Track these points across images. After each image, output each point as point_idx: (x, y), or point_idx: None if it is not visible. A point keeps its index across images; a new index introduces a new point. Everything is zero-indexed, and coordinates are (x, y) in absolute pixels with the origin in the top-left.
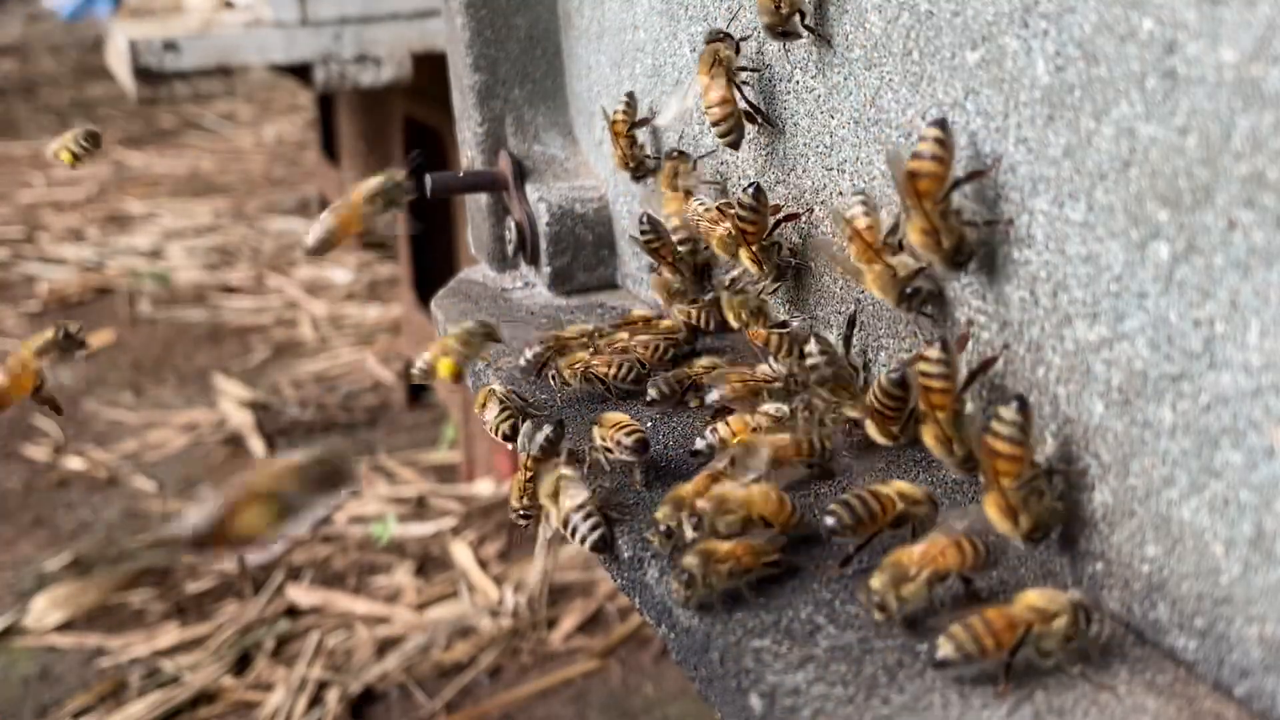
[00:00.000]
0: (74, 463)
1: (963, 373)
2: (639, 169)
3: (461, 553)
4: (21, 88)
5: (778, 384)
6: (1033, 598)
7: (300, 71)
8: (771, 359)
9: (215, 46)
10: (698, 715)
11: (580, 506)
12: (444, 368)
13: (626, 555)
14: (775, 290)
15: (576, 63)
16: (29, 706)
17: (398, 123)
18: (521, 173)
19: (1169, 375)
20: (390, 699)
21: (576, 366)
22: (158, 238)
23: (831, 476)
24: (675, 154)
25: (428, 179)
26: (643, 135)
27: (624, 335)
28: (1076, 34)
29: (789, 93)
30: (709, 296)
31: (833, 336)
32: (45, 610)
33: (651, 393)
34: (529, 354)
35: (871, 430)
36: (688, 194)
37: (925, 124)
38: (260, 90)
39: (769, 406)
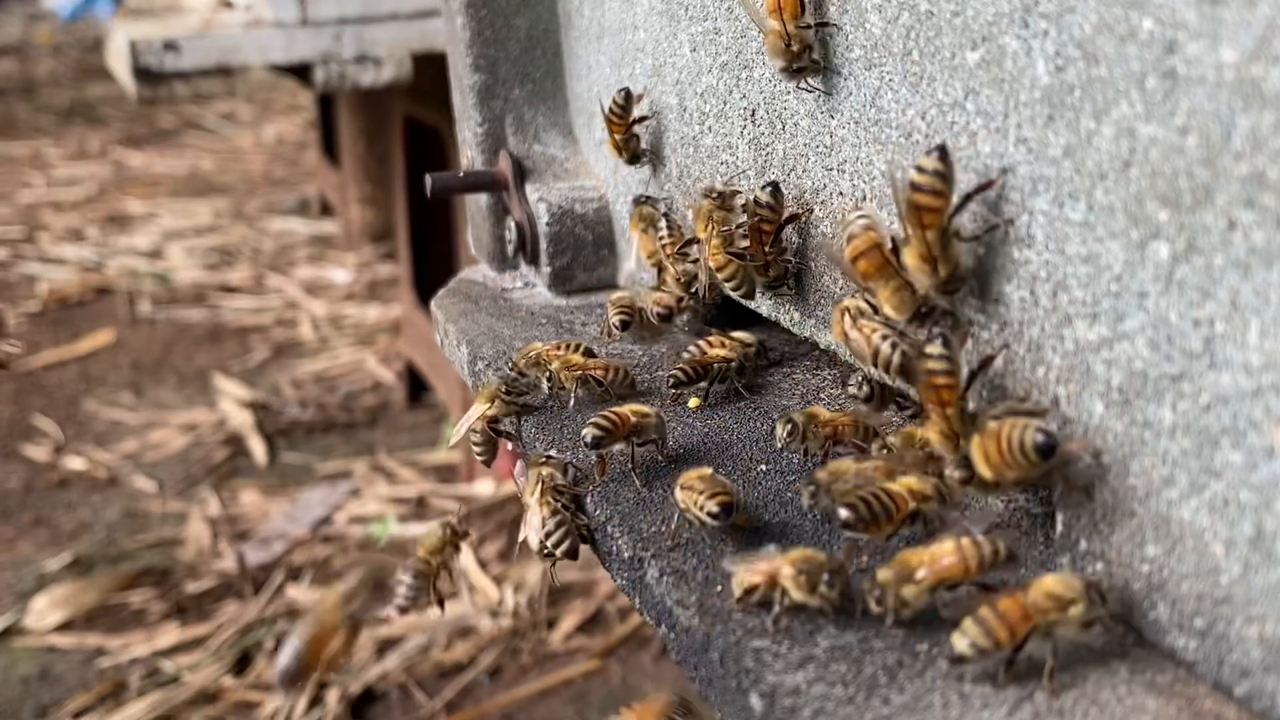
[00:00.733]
0: (74, 463)
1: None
2: (634, 157)
3: (461, 553)
4: (21, 88)
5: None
6: (1050, 584)
7: (300, 71)
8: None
9: (215, 46)
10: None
11: (545, 523)
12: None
13: (627, 555)
14: (779, 290)
15: (576, 63)
16: (29, 706)
17: (398, 123)
18: (521, 173)
19: (1169, 375)
20: (390, 699)
21: (574, 371)
22: (158, 238)
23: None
24: (643, 199)
25: (428, 179)
26: (639, 127)
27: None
28: (1076, 34)
29: (789, 93)
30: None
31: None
32: (45, 610)
33: (673, 378)
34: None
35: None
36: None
37: (925, 154)
38: (260, 90)
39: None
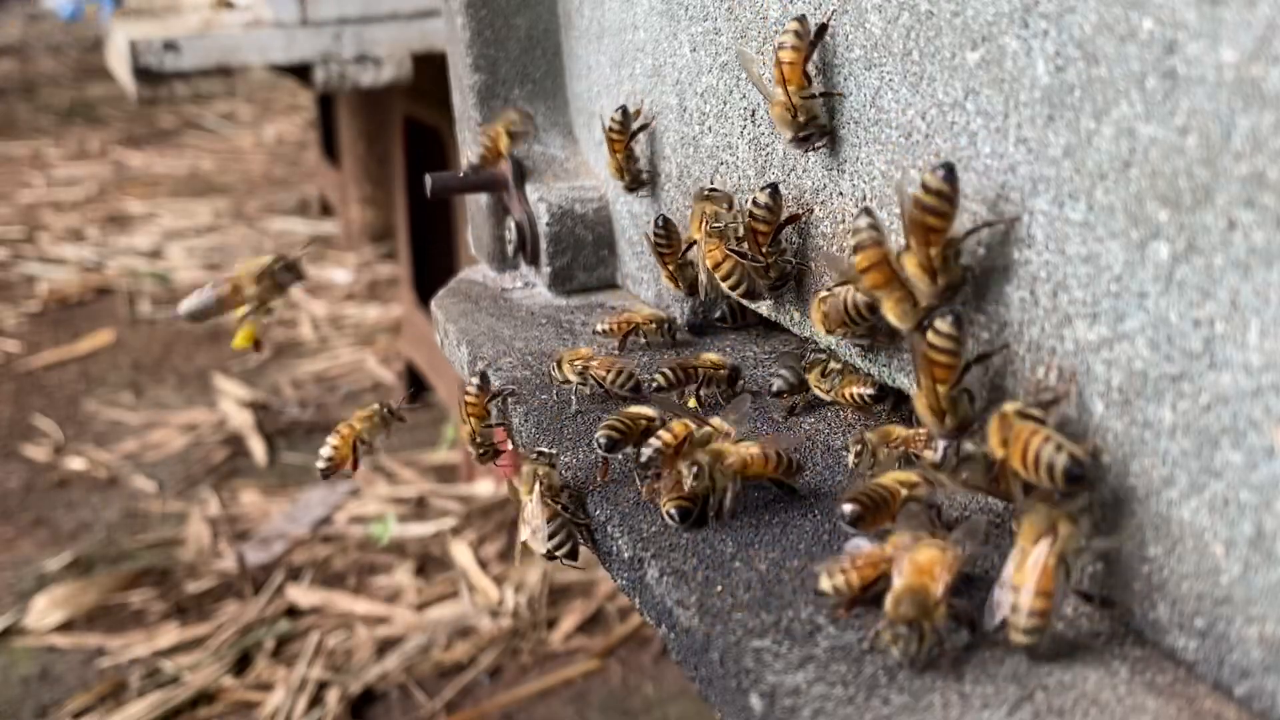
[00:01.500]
0: (74, 463)
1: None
2: (634, 182)
3: (461, 553)
4: (21, 88)
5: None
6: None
7: (300, 71)
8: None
9: (215, 46)
10: (698, 715)
11: (547, 526)
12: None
13: (627, 555)
14: (779, 292)
15: (576, 63)
16: (29, 706)
17: (398, 123)
18: (521, 173)
19: (1169, 375)
20: (390, 699)
21: (576, 364)
22: (158, 238)
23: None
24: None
25: (428, 179)
26: (640, 147)
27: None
28: (1076, 34)
29: None
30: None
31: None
32: (45, 610)
33: (658, 379)
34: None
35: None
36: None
37: (931, 171)
38: (260, 90)
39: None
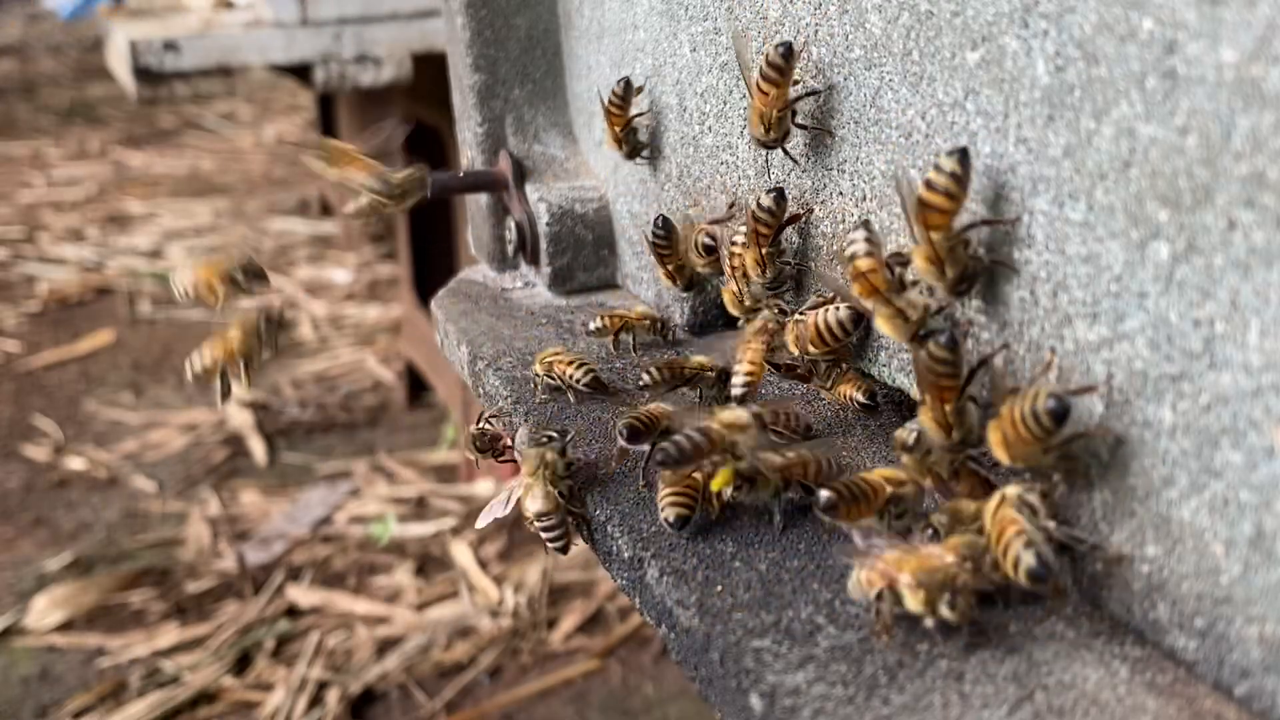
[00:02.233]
0: (74, 463)
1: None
2: (633, 150)
3: (461, 553)
4: (21, 88)
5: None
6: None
7: (300, 71)
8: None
9: (215, 46)
10: (698, 715)
11: (542, 517)
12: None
13: (627, 555)
14: (777, 293)
15: (576, 63)
16: (29, 706)
17: (398, 123)
18: (521, 173)
19: (1169, 375)
20: (390, 699)
21: (545, 360)
22: (158, 238)
23: None
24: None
25: (428, 179)
26: (638, 121)
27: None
28: (1076, 34)
29: None
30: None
31: None
32: (45, 610)
33: (644, 378)
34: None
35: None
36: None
37: (944, 154)
38: (260, 90)
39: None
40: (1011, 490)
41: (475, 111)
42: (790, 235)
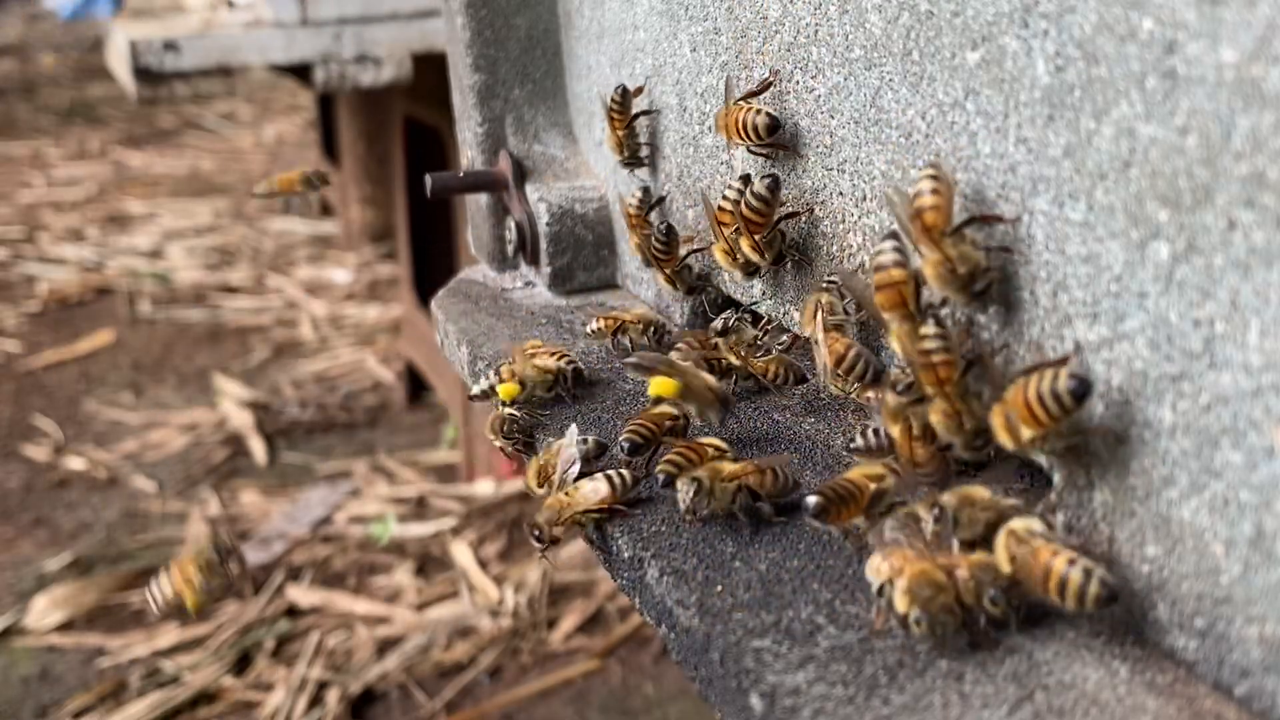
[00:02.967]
0: (74, 463)
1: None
2: (632, 158)
3: (461, 553)
4: (21, 88)
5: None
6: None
7: (300, 71)
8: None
9: (215, 46)
10: (698, 715)
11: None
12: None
13: (627, 555)
14: (774, 271)
15: (576, 63)
16: (29, 706)
17: (398, 123)
18: (521, 173)
19: (1169, 375)
20: (390, 699)
21: (526, 352)
22: (158, 238)
23: None
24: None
25: (428, 179)
26: (641, 126)
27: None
28: (1076, 34)
29: (789, 93)
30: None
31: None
32: (45, 610)
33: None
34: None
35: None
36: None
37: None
38: (260, 90)
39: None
40: (1019, 524)
41: (475, 111)
42: (793, 226)
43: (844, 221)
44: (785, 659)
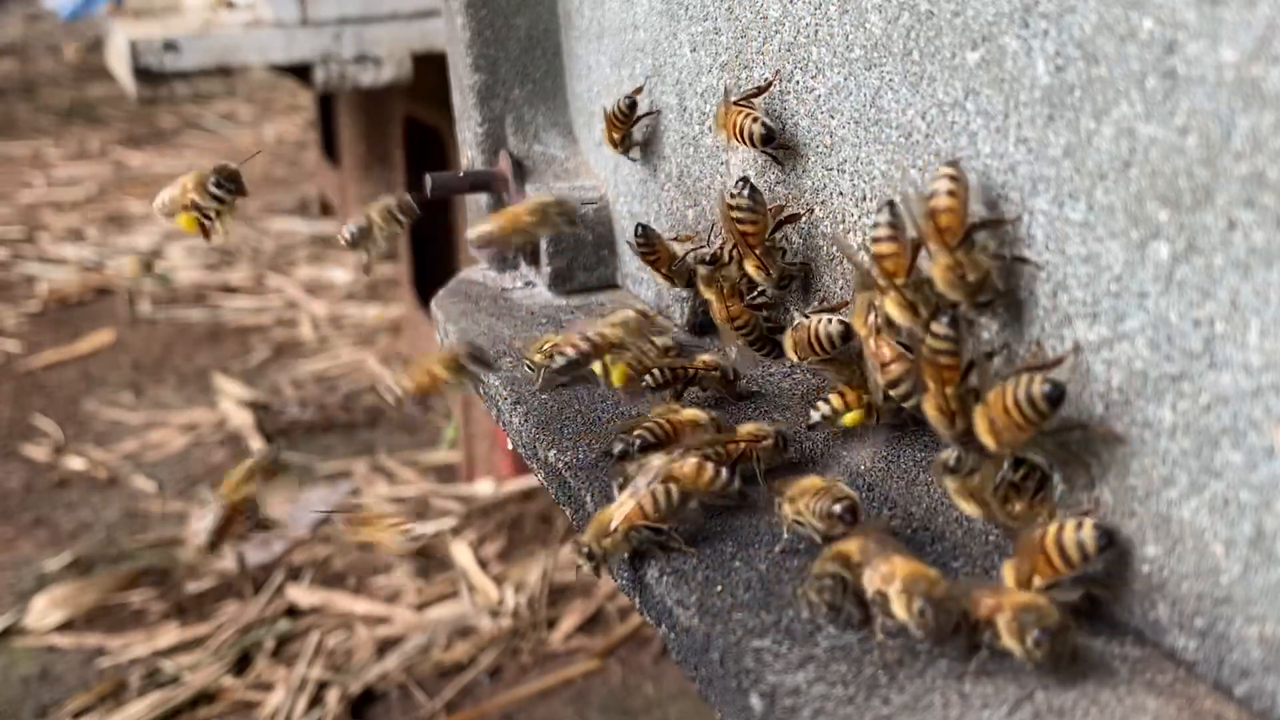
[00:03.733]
0: (74, 463)
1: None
2: (626, 148)
3: (461, 553)
4: (21, 88)
5: None
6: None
7: (300, 71)
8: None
9: (215, 46)
10: (698, 715)
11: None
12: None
13: (626, 555)
14: (784, 292)
15: (576, 63)
16: (29, 706)
17: (398, 123)
18: (521, 173)
19: (1169, 375)
20: (390, 699)
21: (546, 348)
22: (158, 238)
23: None
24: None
25: (428, 179)
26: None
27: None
28: (1076, 34)
29: (789, 93)
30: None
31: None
32: (45, 610)
33: (649, 380)
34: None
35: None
36: None
37: (941, 168)
38: (260, 90)
39: None
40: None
41: (475, 111)
42: (789, 234)
43: (844, 221)
44: (785, 659)
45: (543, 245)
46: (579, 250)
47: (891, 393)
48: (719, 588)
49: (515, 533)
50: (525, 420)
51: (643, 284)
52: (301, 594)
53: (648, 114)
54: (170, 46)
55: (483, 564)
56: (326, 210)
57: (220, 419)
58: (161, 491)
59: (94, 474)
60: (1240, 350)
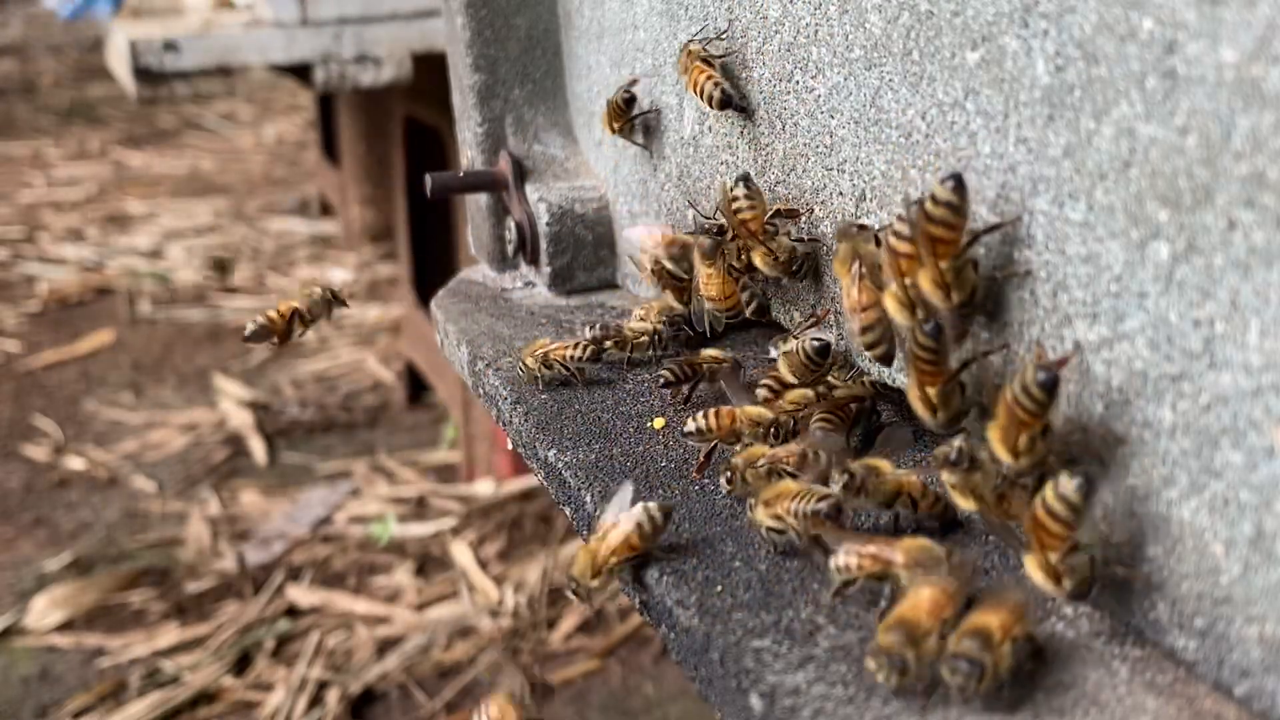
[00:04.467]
0: (74, 463)
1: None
2: (625, 130)
3: (461, 553)
4: (21, 88)
5: None
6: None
7: (300, 71)
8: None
9: (215, 46)
10: (698, 715)
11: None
12: None
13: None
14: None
15: (576, 63)
16: (29, 706)
17: (398, 123)
18: (521, 173)
19: (1169, 375)
20: (390, 699)
21: (539, 354)
22: (158, 238)
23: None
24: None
25: (428, 179)
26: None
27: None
28: (1076, 34)
29: (789, 92)
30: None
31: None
32: (45, 610)
33: (664, 374)
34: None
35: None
36: None
37: (940, 183)
38: (260, 90)
39: None
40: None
41: (475, 111)
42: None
43: (844, 221)
44: (785, 659)
45: (543, 245)
46: (579, 250)
47: (862, 339)
48: (719, 588)
49: (515, 533)
50: (525, 420)
51: (643, 284)
52: (301, 594)
53: (646, 112)
54: (170, 46)
55: (483, 564)
56: (326, 210)
57: (220, 419)
58: (161, 491)
59: (94, 474)
60: (1240, 350)
